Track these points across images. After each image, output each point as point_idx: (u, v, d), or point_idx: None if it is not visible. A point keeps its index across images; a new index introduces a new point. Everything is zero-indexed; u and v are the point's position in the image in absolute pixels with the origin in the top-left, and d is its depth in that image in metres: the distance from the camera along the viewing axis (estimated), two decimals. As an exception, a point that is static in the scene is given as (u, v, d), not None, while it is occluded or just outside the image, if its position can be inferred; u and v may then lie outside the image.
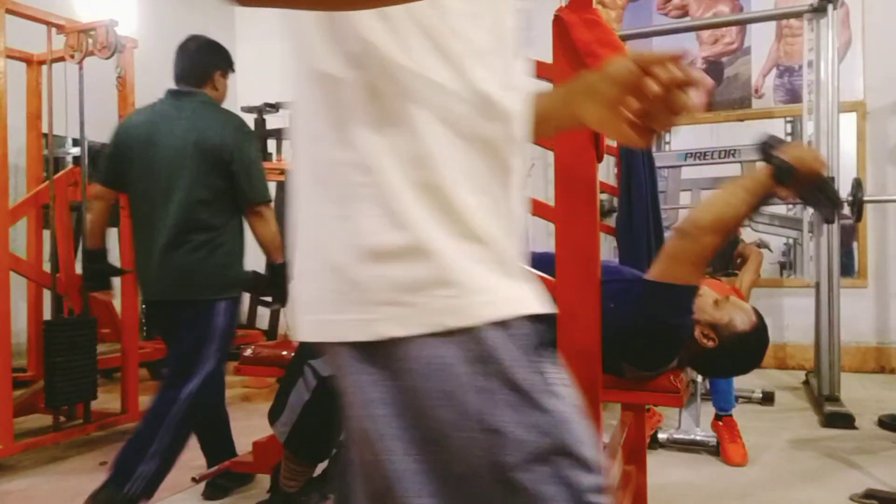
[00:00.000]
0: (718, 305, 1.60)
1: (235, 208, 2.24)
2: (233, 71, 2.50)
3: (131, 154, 2.20)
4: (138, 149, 2.18)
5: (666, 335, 1.48)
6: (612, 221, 3.68)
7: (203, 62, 2.35)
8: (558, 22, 1.30)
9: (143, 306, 3.68)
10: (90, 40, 3.15)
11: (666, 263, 1.46)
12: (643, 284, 1.48)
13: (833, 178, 3.64)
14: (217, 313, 2.11)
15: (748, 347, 1.61)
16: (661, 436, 3.00)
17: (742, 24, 5.15)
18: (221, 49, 2.45)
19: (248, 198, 2.21)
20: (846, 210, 3.76)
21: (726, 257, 3.73)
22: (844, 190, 3.73)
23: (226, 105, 2.41)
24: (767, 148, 1.37)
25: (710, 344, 1.57)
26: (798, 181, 1.34)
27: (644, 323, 1.46)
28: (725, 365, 1.67)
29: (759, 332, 1.61)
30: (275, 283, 2.30)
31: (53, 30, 3.17)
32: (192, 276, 2.12)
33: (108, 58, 3.19)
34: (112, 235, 4.64)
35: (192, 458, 2.97)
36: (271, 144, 5.43)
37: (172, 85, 2.32)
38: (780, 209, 4.65)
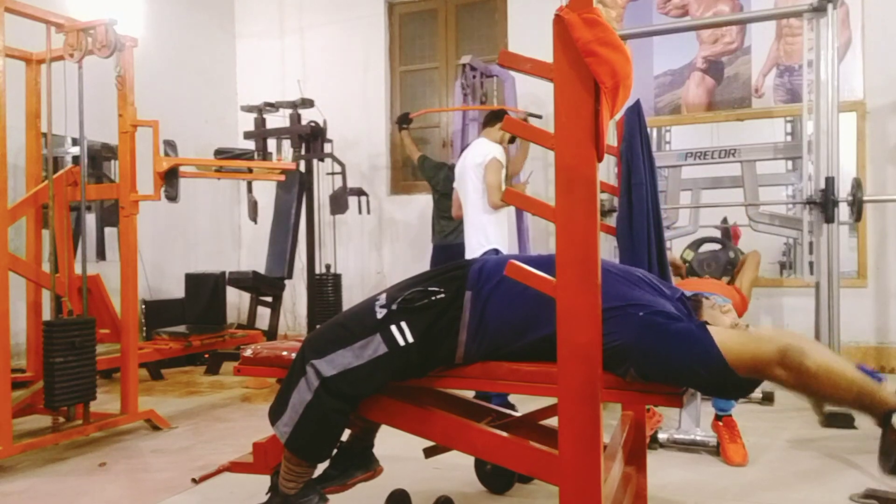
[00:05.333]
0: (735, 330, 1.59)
1: None
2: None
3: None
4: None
5: (687, 375, 1.47)
6: (612, 221, 3.68)
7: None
8: (558, 21, 1.30)
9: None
10: (90, 39, 3.15)
11: (746, 355, 1.39)
12: (717, 359, 1.40)
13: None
14: None
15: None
16: (662, 436, 3.00)
17: (742, 23, 5.15)
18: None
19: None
20: (846, 209, 3.76)
21: (724, 268, 3.74)
22: (844, 190, 3.73)
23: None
24: None
25: None
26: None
27: (680, 363, 1.43)
28: (712, 387, 1.66)
29: None
30: None
31: (53, 28, 3.16)
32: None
33: (107, 57, 3.18)
34: (112, 235, 4.66)
35: (192, 458, 2.98)
36: (271, 144, 5.43)
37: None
38: (780, 209, 4.65)
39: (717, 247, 3.94)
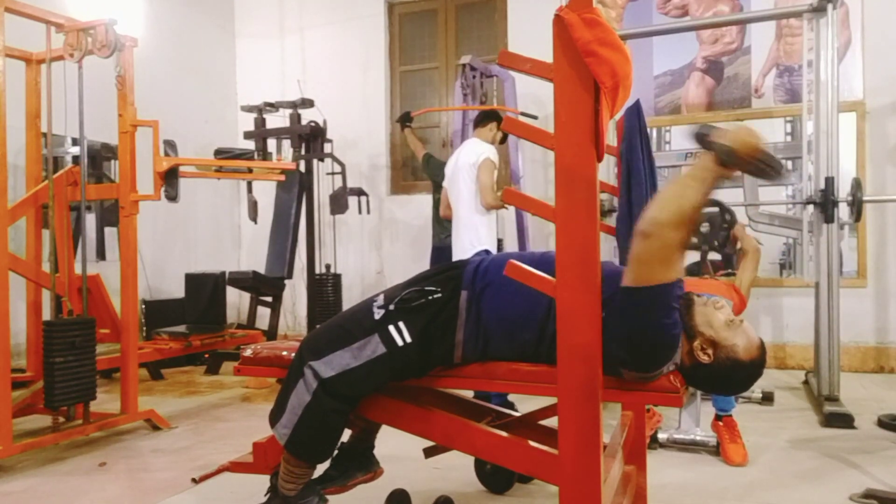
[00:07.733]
0: (729, 326, 1.58)
1: None
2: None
3: None
4: None
5: (656, 337, 1.47)
6: (612, 221, 3.68)
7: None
8: (558, 21, 1.30)
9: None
10: (89, 39, 3.15)
11: (637, 267, 1.44)
12: (622, 292, 1.46)
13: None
14: None
15: (738, 377, 1.60)
16: (661, 436, 3.00)
17: (742, 23, 5.15)
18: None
19: None
20: (846, 209, 3.76)
21: (720, 230, 3.65)
22: (844, 190, 3.73)
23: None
24: (704, 136, 1.42)
25: (705, 359, 1.56)
26: (741, 159, 1.40)
27: (632, 329, 1.45)
28: (710, 383, 1.65)
29: (754, 366, 1.58)
30: None
31: (53, 28, 3.16)
32: None
33: (107, 57, 3.18)
34: (112, 235, 4.65)
35: (192, 457, 2.98)
36: (271, 144, 5.42)
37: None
38: (779, 209, 4.65)
39: (712, 209, 3.70)
